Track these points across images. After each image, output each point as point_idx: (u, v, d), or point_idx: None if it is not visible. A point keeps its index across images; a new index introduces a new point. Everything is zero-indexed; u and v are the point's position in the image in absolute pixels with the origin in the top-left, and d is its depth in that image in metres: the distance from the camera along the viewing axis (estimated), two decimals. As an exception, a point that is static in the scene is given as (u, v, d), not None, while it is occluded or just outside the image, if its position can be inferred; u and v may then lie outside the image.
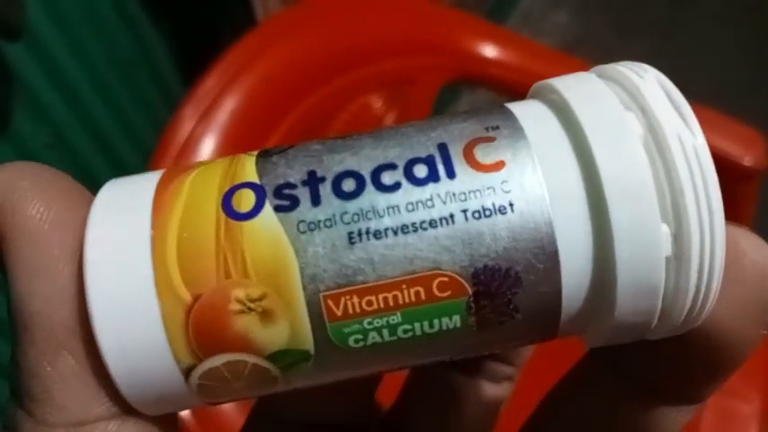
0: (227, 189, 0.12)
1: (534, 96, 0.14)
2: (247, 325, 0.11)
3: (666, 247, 0.11)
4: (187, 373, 0.12)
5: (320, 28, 0.57)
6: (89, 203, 0.13)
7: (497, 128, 0.12)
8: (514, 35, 0.67)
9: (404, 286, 0.11)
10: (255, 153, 0.13)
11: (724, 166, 0.60)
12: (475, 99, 1.44)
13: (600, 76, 0.13)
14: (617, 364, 0.14)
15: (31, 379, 0.12)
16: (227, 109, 0.52)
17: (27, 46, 0.59)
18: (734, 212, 0.64)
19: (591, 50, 1.52)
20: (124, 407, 0.12)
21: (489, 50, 0.63)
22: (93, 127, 0.69)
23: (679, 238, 0.11)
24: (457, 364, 0.18)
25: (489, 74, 0.64)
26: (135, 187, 0.13)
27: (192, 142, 0.51)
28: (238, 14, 0.72)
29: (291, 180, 0.12)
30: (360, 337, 0.11)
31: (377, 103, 0.61)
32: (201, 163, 0.13)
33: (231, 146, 0.52)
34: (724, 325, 0.12)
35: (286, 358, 0.12)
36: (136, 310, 0.11)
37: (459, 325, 0.12)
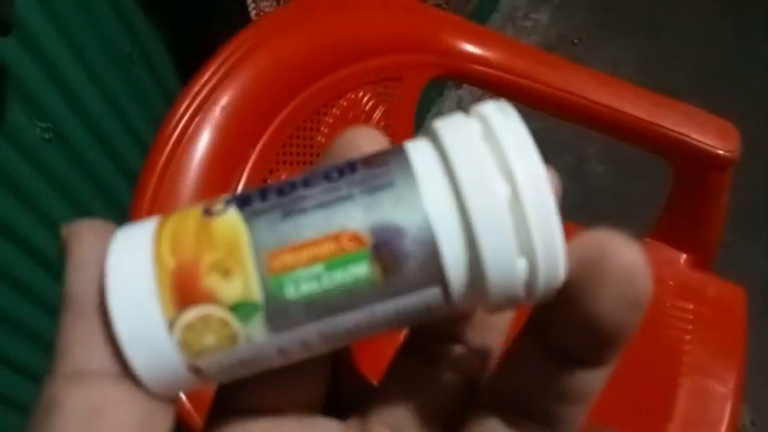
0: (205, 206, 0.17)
1: (427, 135, 0.17)
2: (213, 281, 0.15)
3: (522, 274, 0.15)
4: (171, 325, 0.15)
5: (311, 26, 0.59)
6: None
7: (389, 174, 0.16)
8: (496, 34, 0.69)
9: (322, 242, 0.15)
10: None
11: (700, 157, 0.62)
12: (459, 96, 1.46)
13: (479, 121, 0.16)
14: (539, 338, 0.17)
15: (60, 341, 0.15)
16: (220, 104, 0.53)
17: (21, 40, 0.59)
18: (709, 202, 0.66)
19: (573, 48, 1.54)
20: (122, 369, 0.15)
21: (472, 49, 0.65)
22: (90, 122, 0.70)
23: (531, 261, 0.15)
24: (415, 351, 0.20)
25: (473, 71, 0.66)
26: (142, 223, 0.17)
27: (187, 136, 0.52)
28: (233, 12, 0.73)
29: (250, 192, 0.16)
30: (295, 286, 0.15)
31: (366, 98, 0.62)
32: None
33: (226, 140, 0.53)
34: (604, 317, 0.15)
35: (242, 309, 0.15)
36: (139, 277, 0.15)
37: (367, 272, 0.15)
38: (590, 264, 0.15)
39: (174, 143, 0.52)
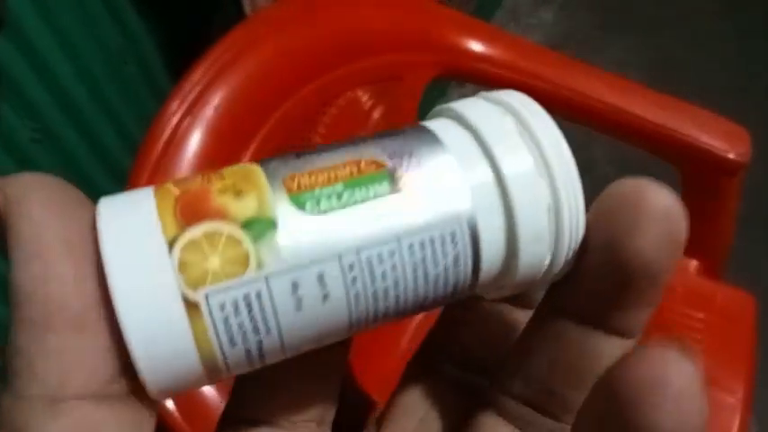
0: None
1: (448, 116, 0.17)
2: (224, 200, 0.14)
3: (547, 200, 0.16)
4: (171, 243, 0.13)
5: (308, 24, 0.57)
6: (86, 203, 0.14)
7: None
8: (501, 31, 0.67)
9: (340, 166, 0.15)
10: None
11: (709, 161, 0.61)
12: (463, 94, 1.45)
13: (496, 103, 0.17)
14: (557, 305, 0.17)
15: (18, 355, 0.12)
16: (212, 103, 0.52)
17: (11, 39, 0.58)
18: (719, 207, 0.64)
19: (576, 46, 1.53)
20: (100, 385, 0.13)
21: (476, 47, 0.64)
22: (80, 121, 0.69)
23: (556, 203, 0.16)
24: (423, 372, 0.20)
25: (476, 70, 0.64)
26: (136, 191, 0.15)
27: (178, 136, 0.51)
28: (229, 9, 0.72)
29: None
30: (314, 202, 0.14)
31: (364, 97, 0.61)
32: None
33: (217, 140, 0.52)
34: (644, 257, 0.15)
35: (256, 226, 0.14)
36: (136, 204, 0.14)
37: (386, 190, 0.15)
38: (629, 205, 0.15)
39: (165, 143, 0.51)
